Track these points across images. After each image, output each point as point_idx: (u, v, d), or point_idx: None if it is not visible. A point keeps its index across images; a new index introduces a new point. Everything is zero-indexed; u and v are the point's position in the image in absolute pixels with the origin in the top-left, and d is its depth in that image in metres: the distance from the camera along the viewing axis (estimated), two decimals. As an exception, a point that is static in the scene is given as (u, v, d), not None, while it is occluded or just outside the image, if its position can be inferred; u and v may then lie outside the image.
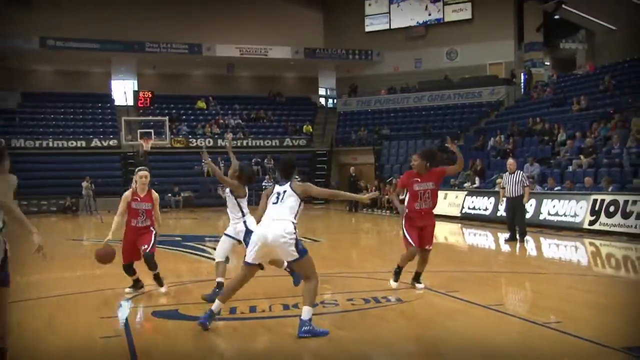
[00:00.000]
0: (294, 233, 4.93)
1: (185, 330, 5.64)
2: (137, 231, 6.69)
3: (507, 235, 12.55)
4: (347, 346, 5.03)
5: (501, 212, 14.84)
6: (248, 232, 6.25)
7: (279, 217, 4.95)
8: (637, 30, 25.38)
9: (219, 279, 6.41)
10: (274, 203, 5.09)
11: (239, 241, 6.56)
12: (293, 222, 4.98)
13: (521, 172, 12.48)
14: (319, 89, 34.25)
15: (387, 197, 21.89)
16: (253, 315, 6.20)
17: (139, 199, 6.69)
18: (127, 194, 6.71)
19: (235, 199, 6.50)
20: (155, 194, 6.84)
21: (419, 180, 6.82)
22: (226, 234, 6.65)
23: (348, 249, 13.96)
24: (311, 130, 30.63)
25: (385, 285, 7.59)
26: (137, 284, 6.88)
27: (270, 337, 5.41)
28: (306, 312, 4.84)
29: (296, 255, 4.90)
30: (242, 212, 6.53)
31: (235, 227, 6.56)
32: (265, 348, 5.10)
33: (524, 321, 5.58)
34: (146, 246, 6.64)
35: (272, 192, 5.23)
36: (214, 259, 8.03)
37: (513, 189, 12.08)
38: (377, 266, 9.96)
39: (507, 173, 12.23)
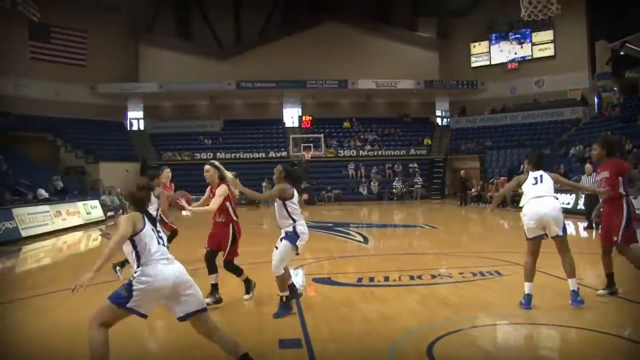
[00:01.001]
0: None
1: (337, 293, 7.51)
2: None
3: (585, 224, 15.03)
4: (457, 308, 6.59)
5: (580, 205, 18.00)
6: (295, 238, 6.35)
7: None
8: None
9: (283, 293, 6.47)
10: None
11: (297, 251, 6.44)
12: None
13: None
14: (436, 111, 42.81)
15: (489, 194, 27.76)
16: (387, 283, 8.11)
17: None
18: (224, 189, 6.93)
19: (284, 202, 6.42)
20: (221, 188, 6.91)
21: (598, 170, 6.96)
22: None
23: (459, 234, 16.34)
24: (430, 142, 39.57)
25: (488, 262, 9.51)
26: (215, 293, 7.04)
27: (399, 300, 6.98)
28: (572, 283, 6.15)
29: None
30: (292, 217, 6.41)
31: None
32: (394, 310, 6.45)
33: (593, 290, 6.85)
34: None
35: None
36: (358, 241, 10.43)
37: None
38: (482, 248, 11.82)
39: (585, 175, 14.40)
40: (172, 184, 10.35)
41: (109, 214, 25.09)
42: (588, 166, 14.44)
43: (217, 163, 7.27)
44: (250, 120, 41.72)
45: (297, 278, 9.17)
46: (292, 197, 6.52)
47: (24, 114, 34.08)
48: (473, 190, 30.82)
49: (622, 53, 35.27)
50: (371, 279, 8.47)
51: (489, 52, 41.33)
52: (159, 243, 4.48)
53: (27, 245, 15.76)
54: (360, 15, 42.04)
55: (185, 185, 35.29)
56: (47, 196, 22.25)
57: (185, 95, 41.18)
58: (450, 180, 37.80)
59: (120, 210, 27.23)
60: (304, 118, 41.36)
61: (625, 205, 6.63)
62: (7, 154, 26.15)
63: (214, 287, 7.13)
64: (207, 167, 7.28)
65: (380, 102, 42.98)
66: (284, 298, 6.48)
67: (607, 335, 5.49)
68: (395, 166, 36.89)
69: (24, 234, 16.84)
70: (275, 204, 6.58)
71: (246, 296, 7.34)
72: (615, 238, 6.57)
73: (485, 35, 41.33)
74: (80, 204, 22.57)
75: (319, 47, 40.50)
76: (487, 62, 41.40)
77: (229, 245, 7.17)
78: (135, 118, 41.91)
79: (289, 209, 6.48)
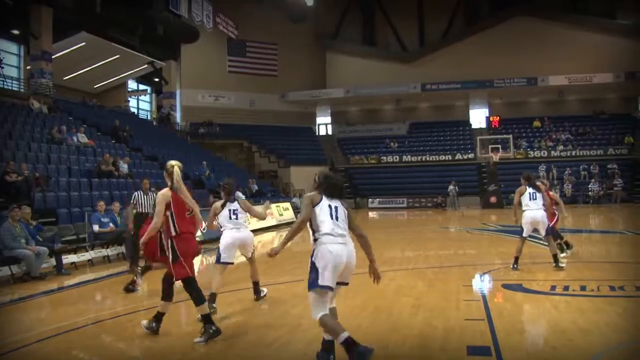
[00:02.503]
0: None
1: (529, 301, 7.33)
2: None
3: None
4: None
5: None
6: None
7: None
8: None
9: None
10: None
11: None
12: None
13: None
14: (639, 105, 39.47)
15: None
16: (583, 292, 7.70)
17: None
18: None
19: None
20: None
21: None
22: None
23: None
24: (632, 140, 36.43)
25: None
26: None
27: (599, 312, 6.44)
28: None
29: None
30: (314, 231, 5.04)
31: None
32: (592, 322, 5.97)
33: None
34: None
35: None
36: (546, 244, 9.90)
37: None
38: None
39: None
40: None
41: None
42: None
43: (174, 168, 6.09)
44: (435, 122, 42.01)
45: (486, 283, 9.10)
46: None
47: (224, 123, 37.67)
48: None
49: None
50: (566, 288, 8.08)
51: (703, 36, 36.94)
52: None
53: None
54: (551, 6, 40.47)
55: (371, 188, 36.40)
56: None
57: (371, 99, 42.21)
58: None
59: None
60: (491, 118, 40.50)
61: None
62: (210, 160, 28.60)
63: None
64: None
65: (573, 99, 41.06)
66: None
67: None
68: (591, 167, 34.63)
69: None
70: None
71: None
72: None
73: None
74: (273, 205, 23.97)
75: (504, 44, 39.75)
76: (700, 47, 36.90)
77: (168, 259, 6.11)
78: (324, 123, 43.61)
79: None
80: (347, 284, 5.19)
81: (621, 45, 39.07)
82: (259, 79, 40.84)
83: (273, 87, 40.90)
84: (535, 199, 9.67)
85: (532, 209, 9.66)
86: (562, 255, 10.49)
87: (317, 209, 5.10)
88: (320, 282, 4.84)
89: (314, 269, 4.91)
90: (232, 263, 7.79)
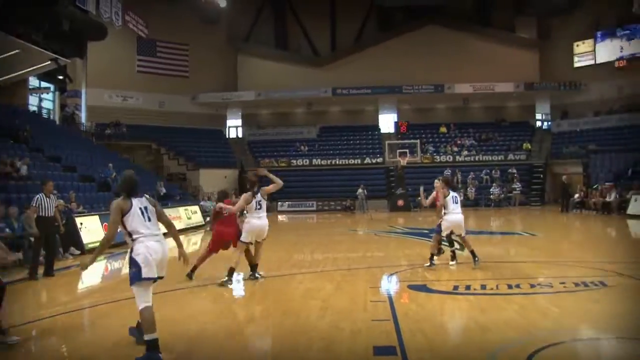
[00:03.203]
0: None
1: (433, 301, 7.52)
2: None
3: None
4: (558, 319, 6.41)
5: None
6: None
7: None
8: None
9: None
10: None
11: None
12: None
13: None
14: (536, 114, 41.44)
15: (593, 200, 27.16)
16: (483, 291, 8.06)
17: None
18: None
19: None
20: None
21: None
22: None
23: (560, 242, 16.02)
24: (530, 147, 38.25)
25: (592, 272, 9.20)
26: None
27: (497, 310, 6.78)
28: None
29: None
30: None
31: None
32: (491, 319, 6.24)
33: None
34: None
35: None
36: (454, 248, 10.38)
37: None
38: (585, 257, 11.71)
39: None
40: None
41: (207, 219, 25.98)
42: None
43: None
44: (346, 127, 42.43)
45: (393, 285, 9.27)
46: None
47: (132, 124, 36.54)
48: (576, 196, 29.59)
49: None
50: (467, 287, 8.41)
51: (594, 50, 39.39)
52: None
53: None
54: (458, 18, 41.78)
55: (281, 192, 36.27)
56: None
57: (282, 102, 42.19)
58: (551, 186, 36.30)
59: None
60: (400, 123, 41.26)
61: None
62: (116, 162, 27.68)
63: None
64: None
65: (477, 107, 42.49)
66: None
67: None
68: (493, 172, 35.94)
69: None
70: None
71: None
72: None
73: (589, 34, 39.43)
74: (181, 209, 23.59)
75: (414, 52, 40.55)
76: (592, 62, 39.41)
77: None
78: (234, 126, 43.22)
79: None
80: (162, 277, 5.52)
81: (521, 57, 40.97)
82: (170, 79, 39.86)
83: (184, 88, 40.01)
84: (457, 202, 10.10)
85: (456, 212, 10.07)
86: (455, 257, 10.79)
87: (129, 217, 5.40)
88: (144, 274, 5.24)
89: (134, 264, 5.28)
90: (252, 243, 9.41)
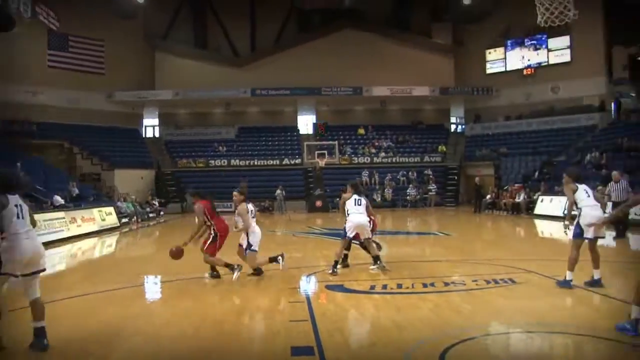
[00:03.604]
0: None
1: (350, 300, 7.61)
2: None
3: (614, 233, 14.39)
4: (470, 316, 6.63)
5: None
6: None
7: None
8: None
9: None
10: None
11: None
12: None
13: (625, 181, 13.98)
14: (451, 117, 42.47)
15: (504, 201, 28.17)
16: (400, 290, 8.22)
17: None
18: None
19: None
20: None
21: None
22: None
23: (473, 241, 16.48)
24: (445, 149, 39.41)
25: (502, 269, 9.61)
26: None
27: (413, 308, 6.91)
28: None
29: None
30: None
31: None
32: (407, 318, 6.35)
33: (612, 299, 6.98)
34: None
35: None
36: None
37: (619, 195, 13.86)
38: (496, 255, 12.03)
39: (613, 182, 14.21)
40: None
41: (123, 220, 25.36)
42: (615, 173, 14.34)
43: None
44: (265, 128, 42.18)
45: (311, 285, 9.27)
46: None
47: (42, 121, 34.85)
48: (488, 197, 30.62)
49: (639, 58, 35.87)
50: (384, 287, 8.52)
51: (505, 58, 41.18)
52: None
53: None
54: (376, 22, 42.30)
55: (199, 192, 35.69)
56: (63, 203, 22.33)
57: (201, 102, 41.51)
58: (465, 187, 37.63)
59: (135, 217, 27.54)
60: (318, 125, 41.50)
61: None
62: (25, 161, 26.38)
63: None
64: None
65: (394, 109, 43.11)
66: None
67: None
68: (410, 173, 36.66)
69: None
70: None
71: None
72: None
73: (500, 42, 41.20)
74: (95, 210, 22.76)
75: (333, 54, 40.73)
76: (503, 69, 41.24)
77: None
78: (151, 125, 42.18)
79: None
80: (43, 270, 5.77)
81: (437, 62, 42.19)
82: (84, 76, 37.98)
83: (99, 85, 38.36)
84: (360, 204, 10.05)
85: (358, 212, 10.04)
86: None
87: (5, 213, 5.49)
88: (5, 270, 5.48)
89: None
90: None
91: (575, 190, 8.14)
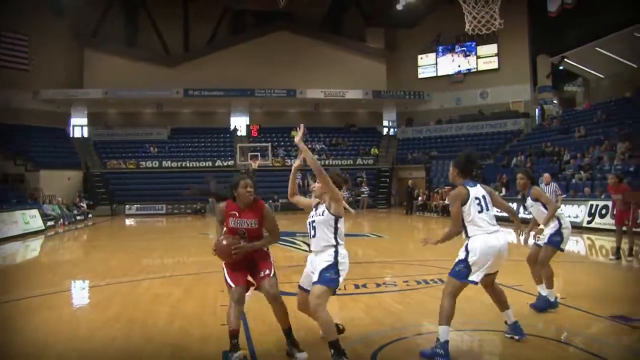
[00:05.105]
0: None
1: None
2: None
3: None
4: (402, 316, 6.75)
5: (522, 214, 16.85)
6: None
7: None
8: (618, 79, 34.53)
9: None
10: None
11: None
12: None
13: (555, 183, 13.81)
14: (383, 121, 43.16)
15: (434, 203, 29.03)
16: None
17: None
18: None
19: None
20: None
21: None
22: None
23: (405, 242, 16.87)
24: (377, 152, 39.98)
25: (433, 270, 9.85)
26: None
27: (345, 309, 6.99)
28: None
29: None
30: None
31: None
32: (339, 319, 5.66)
33: (534, 296, 7.06)
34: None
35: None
36: (304, 250, 10.62)
37: (550, 196, 12.32)
38: (427, 256, 11.91)
39: (543, 184, 13.70)
40: None
41: (48, 223, 24.49)
42: (546, 175, 14.30)
43: None
44: (197, 129, 41.61)
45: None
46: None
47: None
48: (419, 199, 31.14)
49: (561, 68, 37.95)
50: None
51: (436, 64, 42.25)
52: None
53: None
54: (310, 26, 42.43)
55: (128, 194, 34.85)
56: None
57: (131, 102, 40.47)
58: (397, 190, 38.25)
59: (61, 220, 26.66)
60: (251, 127, 41.38)
61: None
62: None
63: None
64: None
65: (328, 112, 43.51)
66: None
67: (549, 341, 5.70)
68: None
69: (-42, 244, 15.99)
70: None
71: None
72: None
73: (432, 48, 42.23)
74: (18, 213, 21.88)
75: (268, 56, 40.61)
76: (434, 74, 42.24)
77: None
78: (79, 125, 40.90)
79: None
80: None
81: (370, 66, 42.66)
82: (7, 72, 36.21)
83: (24, 82, 36.66)
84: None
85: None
86: None
87: None
88: None
89: None
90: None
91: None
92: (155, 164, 38.44)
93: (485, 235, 5.34)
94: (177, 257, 13.89)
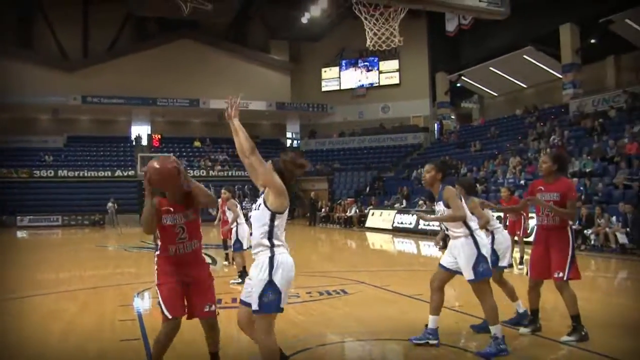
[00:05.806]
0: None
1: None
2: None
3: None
4: (305, 327, 6.74)
5: (421, 226, 20.17)
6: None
7: None
8: (510, 97, 37.16)
9: None
10: None
11: None
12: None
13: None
14: (287, 132, 43.75)
15: (337, 215, 29.28)
16: (234, 305, 7.53)
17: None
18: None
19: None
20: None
21: (542, 189, 5.83)
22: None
23: (308, 254, 16.47)
24: (280, 163, 40.96)
25: (335, 281, 9.92)
26: None
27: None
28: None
29: None
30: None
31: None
32: (238, 330, 6.00)
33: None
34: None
35: None
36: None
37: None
38: (329, 267, 12.43)
39: None
40: None
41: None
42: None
43: None
44: (96, 137, 40.34)
45: (144, 302, 8.88)
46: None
47: None
48: (322, 211, 31.38)
49: (458, 85, 39.15)
50: (219, 301, 8.27)
51: (339, 77, 43.12)
52: None
53: None
54: (214, 35, 42.04)
55: (19, 205, 33.05)
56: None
57: (24, 107, 37.86)
58: (300, 201, 37.86)
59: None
60: (153, 136, 40.52)
61: (570, 236, 5.87)
62: None
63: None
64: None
65: (231, 123, 42.84)
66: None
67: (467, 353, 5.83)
68: (246, 187, 36.48)
69: None
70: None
71: None
72: (561, 274, 5.67)
73: (335, 61, 43.02)
74: None
75: (171, 64, 39.79)
76: (337, 87, 43.06)
77: None
78: (-34, 131, 38.12)
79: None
80: None
81: (274, 78, 42.88)
82: None
83: None
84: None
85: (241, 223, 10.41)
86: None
87: None
88: None
89: None
90: None
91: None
92: (51, 173, 36.78)
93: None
94: (73, 270, 13.31)
